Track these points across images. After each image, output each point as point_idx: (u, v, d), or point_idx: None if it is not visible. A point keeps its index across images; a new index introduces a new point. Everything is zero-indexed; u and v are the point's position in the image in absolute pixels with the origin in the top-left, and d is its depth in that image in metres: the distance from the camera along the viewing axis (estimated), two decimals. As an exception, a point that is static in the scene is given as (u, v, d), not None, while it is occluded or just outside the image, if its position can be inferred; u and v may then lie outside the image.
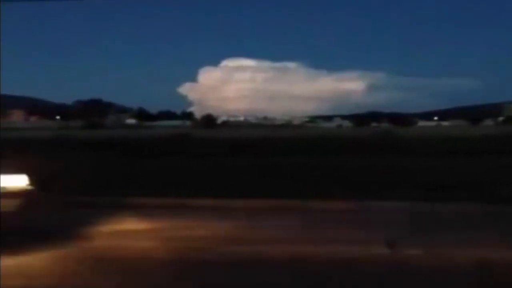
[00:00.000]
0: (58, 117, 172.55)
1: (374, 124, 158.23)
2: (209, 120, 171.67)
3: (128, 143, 30.50)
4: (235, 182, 13.12)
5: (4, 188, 6.84)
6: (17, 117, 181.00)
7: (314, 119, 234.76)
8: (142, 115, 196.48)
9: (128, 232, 7.93)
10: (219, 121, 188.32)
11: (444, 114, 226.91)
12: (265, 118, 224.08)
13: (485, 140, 30.97)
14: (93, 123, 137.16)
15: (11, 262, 6.07)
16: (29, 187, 7.17)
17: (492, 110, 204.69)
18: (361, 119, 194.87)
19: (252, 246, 7.55)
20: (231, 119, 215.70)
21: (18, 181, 7.05)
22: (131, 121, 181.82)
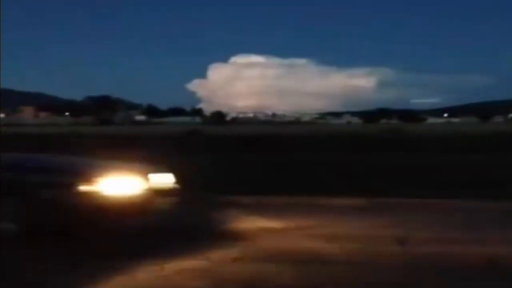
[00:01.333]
0: (67, 114, 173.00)
1: (383, 121, 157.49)
2: (218, 117, 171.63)
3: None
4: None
5: (153, 187, 6.72)
6: (27, 114, 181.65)
7: (324, 115, 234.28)
8: (151, 111, 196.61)
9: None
10: (228, 117, 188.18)
11: (454, 111, 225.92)
12: (274, 115, 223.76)
13: (495, 137, 30.74)
14: (103, 120, 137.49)
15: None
16: (176, 186, 7.09)
17: (503, 107, 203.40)
18: (371, 115, 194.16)
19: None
20: (241, 115, 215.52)
21: (166, 180, 6.96)
22: (140, 117, 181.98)
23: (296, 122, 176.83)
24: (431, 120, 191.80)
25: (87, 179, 6.32)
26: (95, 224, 6.37)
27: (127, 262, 5.73)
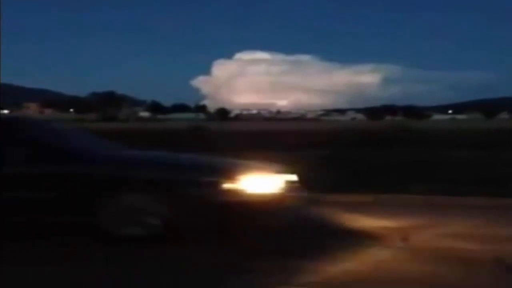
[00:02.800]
0: (71, 110, 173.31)
1: (388, 117, 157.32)
2: (222, 114, 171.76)
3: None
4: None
5: (286, 186, 6.69)
6: (32, 110, 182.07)
7: (328, 112, 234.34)
8: (155, 108, 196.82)
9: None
10: (232, 114, 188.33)
11: (459, 107, 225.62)
12: (278, 111, 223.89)
13: (500, 134, 30.61)
14: (108, 116, 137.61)
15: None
16: (299, 186, 6.98)
17: (508, 104, 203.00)
18: (375, 112, 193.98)
19: None
20: (245, 112, 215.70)
21: (292, 179, 6.91)
22: (144, 114, 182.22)
23: (301, 118, 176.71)
24: (436, 117, 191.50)
25: (231, 177, 6.37)
26: (241, 222, 6.44)
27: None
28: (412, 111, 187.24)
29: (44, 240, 6.31)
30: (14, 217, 6.41)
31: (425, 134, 32.19)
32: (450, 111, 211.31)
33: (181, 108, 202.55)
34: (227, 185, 6.33)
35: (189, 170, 6.67)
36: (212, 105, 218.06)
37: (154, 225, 6.21)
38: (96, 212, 6.21)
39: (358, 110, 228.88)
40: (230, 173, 6.47)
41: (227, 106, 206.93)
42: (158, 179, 6.35)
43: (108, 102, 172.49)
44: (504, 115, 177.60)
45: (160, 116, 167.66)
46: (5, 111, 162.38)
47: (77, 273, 5.16)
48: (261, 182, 6.50)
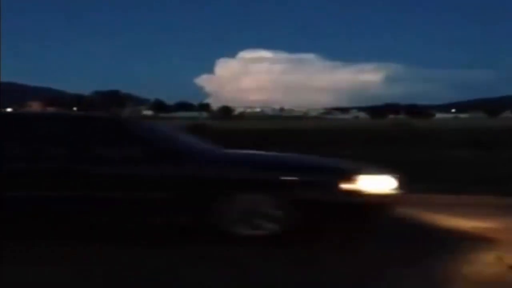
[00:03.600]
0: (75, 108, 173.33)
1: (391, 116, 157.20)
2: (225, 112, 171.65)
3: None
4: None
5: (391, 186, 6.55)
6: (35, 109, 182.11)
7: (330, 111, 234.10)
8: (158, 106, 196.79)
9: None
10: (235, 112, 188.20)
11: (462, 106, 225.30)
12: (282, 109, 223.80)
13: (503, 132, 30.56)
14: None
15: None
16: (397, 188, 6.77)
17: (510, 102, 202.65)
18: (378, 111, 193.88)
19: None
20: (248, 110, 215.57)
21: (388, 183, 6.66)
22: (147, 112, 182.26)
23: (304, 117, 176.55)
24: (439, 115, 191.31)
25: (348, 178, 6.27)
26: (358, 222, 6.43)
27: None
28: (414, 110, 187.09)
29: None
30: (130, 218, 6.46)
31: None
32: (453, 110, 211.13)
33: (184, 106, 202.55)
34: (345, 186, 6.25)
35: (306, 170, 6.62)
36: (215, 103, 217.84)
37: (271, 226, 6.17)
38: (212, 212, 6.18)
39: (360, 109, 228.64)
40: (347, 173, 6.39)
41: (231, 104, 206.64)
42: (276, 180, 6.33)
43: (111, 101, 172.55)
44: (507, 114, 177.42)
45: (162, 115, 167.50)
46: (9, 109, 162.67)
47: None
48: (376, 182, 6.43)
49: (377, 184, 6.41)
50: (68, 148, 6.51)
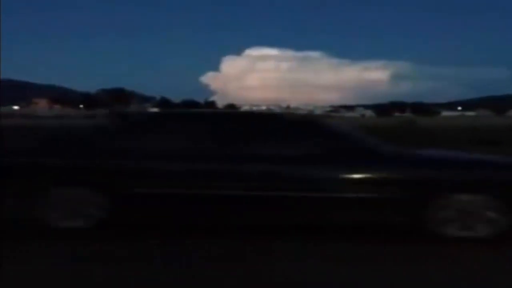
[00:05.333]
0: (81, 106, 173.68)
1: (397, 114, 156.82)
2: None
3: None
4: None
5: None
6: (42, 106, 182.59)
7: (336, 108, 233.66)
8: (164, 104, 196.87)
9: None
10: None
11: (468, 104, 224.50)
12: (288, 107, 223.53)
13: (509, 131, 30.33)
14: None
15: None
16: None
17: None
18: (384, 109, 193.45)
19: None
20: (254, 108, 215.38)
21: None
22: (153, 110, 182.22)
23: (311, 115, 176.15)
24: (445, 113, 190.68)
25: None
26: None
27: None
28: (420, 108, 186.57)
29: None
30: (346, 217, 6.42)
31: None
32: (459, 108, 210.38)
33: (190, 104, 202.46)
34: None
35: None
36: (221, 101, 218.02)
37: (483, 227, 6.10)
38: (426, 212, 6.14)
39: (366, 107, 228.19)
40: None
41: (237, 102, 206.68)
42: (496, 180, 6.25)
43: (117, 98, 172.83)
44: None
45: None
46: (15, 107, 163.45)
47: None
48: None
49: None
50: (274, 148, 6.47)
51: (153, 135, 6.69)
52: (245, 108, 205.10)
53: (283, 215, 6.46)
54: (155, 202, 6.39)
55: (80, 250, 5.75)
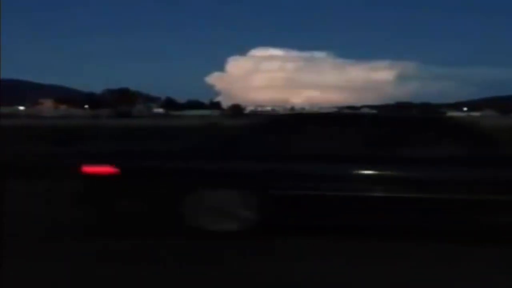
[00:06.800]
0: (86, 106, 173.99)
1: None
2: (236, 110, 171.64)
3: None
4: None
5: None
6: (47, 106, 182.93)
7: (341, 109, 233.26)
8: (169, 104, 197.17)
9: None
10: (246, 111, 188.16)
11: (473, 105, 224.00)
12: (292, 108, 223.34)
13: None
14: (121, 112, 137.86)
15: None
16: None
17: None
18: (390, 109, 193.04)
19: None
20: (259, 109, 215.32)
21: None
22: (158, 110, 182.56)
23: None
24: (450, 114, 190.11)
25: None
26: None
27: None
28: (426, 109, 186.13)
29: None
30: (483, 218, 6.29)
31: None
32: (464, 109, 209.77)
33: (195, 104, 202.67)
34: None
35: None
36: (226, 102, 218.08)
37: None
38: None
39: (372, 107, 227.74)
40: None
41: (242, 103, 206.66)
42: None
43: (122, 99, 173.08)
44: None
45: (173, 113, 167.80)
46: (21, 107, 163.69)
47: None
48: None
49: None
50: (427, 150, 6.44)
51: (302, 136, 6.64)
52: (251, 108, 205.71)
53: (439, 219, 6.32)
54: (308, 204, 6.26)
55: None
